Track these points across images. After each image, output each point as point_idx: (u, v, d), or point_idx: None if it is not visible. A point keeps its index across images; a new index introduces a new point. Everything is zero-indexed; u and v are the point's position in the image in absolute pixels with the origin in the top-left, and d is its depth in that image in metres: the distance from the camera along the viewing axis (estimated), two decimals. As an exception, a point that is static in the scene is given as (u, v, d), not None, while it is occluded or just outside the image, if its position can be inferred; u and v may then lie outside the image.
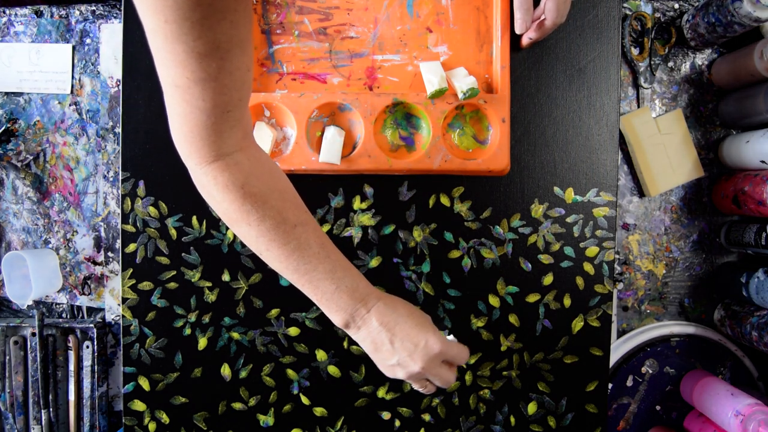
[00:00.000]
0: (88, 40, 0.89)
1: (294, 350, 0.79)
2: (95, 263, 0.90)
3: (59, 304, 0.91)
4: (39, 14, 0.89)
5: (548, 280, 0.77)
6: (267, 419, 0.79)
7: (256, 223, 0.55)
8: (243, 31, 0.46)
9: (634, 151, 0.86)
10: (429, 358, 0.58)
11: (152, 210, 0.78)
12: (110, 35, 0.89)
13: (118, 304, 0.90)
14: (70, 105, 0.89)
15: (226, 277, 0.78)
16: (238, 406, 0.79)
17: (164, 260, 0.78)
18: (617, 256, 0.87)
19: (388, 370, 0.61)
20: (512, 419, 0.78)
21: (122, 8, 0.86)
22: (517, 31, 0.73)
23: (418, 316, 0.60)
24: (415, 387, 0.63)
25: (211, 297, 0.79)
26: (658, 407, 0.86)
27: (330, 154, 0.73)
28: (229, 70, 0.47)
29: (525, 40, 0.73)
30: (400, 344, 0.58)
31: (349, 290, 0.58)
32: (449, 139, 0.75)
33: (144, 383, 0.79)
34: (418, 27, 0.76)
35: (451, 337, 0.63)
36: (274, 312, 0.79)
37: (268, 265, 0.78)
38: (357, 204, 0.78)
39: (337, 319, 0.59)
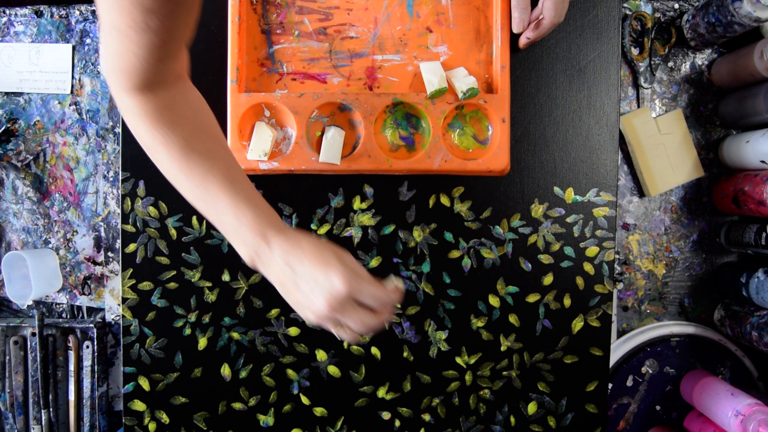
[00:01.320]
0: (88, 40, 0.89)
1: (294, 350, 0.79)
2: (95, 263, 0.90)
3: (59, 304, 0.91)
4: (39, 14, 0.89)
5: (548, 280, 0.77)
6: (267, 419, 0.79)
7: (165, 151, 0.56)
8: None
9: (634, 151, 0.86)
10: (334, 298, 0.53)
11: (152, 210, 0.78)
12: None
13: (118, 304, 0.90)
14: (70, 105, 0.89)
15: (226, 277, 0.78)
16: (238, 406, 0.79)
17: (164, 260, 0.78)
18: (617, 256, 0.87)
19: (300, 312, 0.56)
20: (512, 419, 0.78)
21: (122, 8, 0.86)
22: (515, 30, 0.73)
23: (322, 252, 0.55)
24: (334, 332, 0.58)
25: (211, 297, 0.79)
26: (658, 407, 0.86)
27: (330, 154, 0.73)
28: (171, 27, 0.48)
29: (523, 40, 0.73)
30: (303, 284, 0.54)
31: (250, 225, 0.55)
32: (449, 139, 0.75)
33: (144, 383, 0.79)
34: (418, 27, 0.76)
35: (391, 281, 0.57)
36: (274, 312, 0.79)
37: (268, 265, 0.78)
38: (357, 204, 0.78)
39: (243, 256, 0.57)
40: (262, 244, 0.55)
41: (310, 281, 0.54)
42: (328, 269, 0.53)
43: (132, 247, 0.79)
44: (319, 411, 0.79)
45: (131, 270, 0.79)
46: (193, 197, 0.57)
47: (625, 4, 0.86)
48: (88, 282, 0.90)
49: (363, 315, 0.54)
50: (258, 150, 0.73)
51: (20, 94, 0.90)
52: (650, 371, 0.86)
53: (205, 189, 0.56)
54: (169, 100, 0.56)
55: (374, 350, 0.78)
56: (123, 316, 0.79)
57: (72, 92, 0.89)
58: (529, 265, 0.77)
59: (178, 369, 0.79)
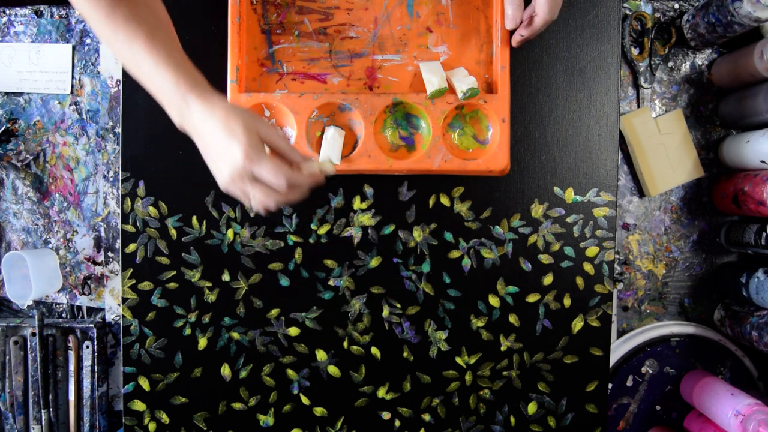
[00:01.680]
0: (88, 40, 0.89)
1: (294, 350, 0.79)
2: (95, 263, 0.90)
3: (59, 304, 0.91)
4: (39, 14, 0.89)
5: (548, 280, 0.77)
6: (267, 419, 0.79)
7: (93, 15, 0.56)
8: None
9: (634, 151, 0.86)
10: (235, 171, 0.54)
11: (152, 210, 0.78)
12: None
13: (118, 304, 0.90)
14: (70, 105, 0.89)
15: (226, 277, 0.78)
16: (238, 406, 0.79)
17: (164, 260, 0.78)
18: (617, 256, 0.87)
19: (216, 179, 0.58)
20: (512, 419, 0.78)
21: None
22: (508, 27, 0.72)
23: (232, 121, 0.54)
24: (243, 201, 0.59)
25: (211, 297, 0.79)
26: (658, 407, 0.86)
27: (330, 154, 0.73)
28: None
29: (516, 38, 0.72)
30: (212, 151, 0.56)
31: (171, 85, 0.55)
32: (449, 139, 0.75)
33: (144, 383, 0.79)
34: (418, 27, 0.76)
35: (313, 165, 0.57)
36: (274, 312, 0.79)
37: (267, 266, 0.78)
38: (357, 204, 0.78)
39: (174, 120, 0.58)
40: (184, 106, 0.56)
41: (217, 149, 0.55)
42: (231, 141, 0.54)
43: (132, 247, 0.79)
44: (319, 411, 0.79)
45: (131, 270, 0.79)
46: (124, 62, 0.58)
47: (625, 4, 0.86)
48: (88, 282, 0.90)
49: (262, 191, 0.55)
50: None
51: (20, 94, 0.90)
52: (650, 371, 0.86)
53: (131, 52, 0.56)
54: None
55: (374, 350, 0.78)
56: (123, 316, 0.79)
57: (72, 92, 0.89)
58: (529, 265, 0.77)
59: (178, 369, 0.79)
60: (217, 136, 0.54)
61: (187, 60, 0.58)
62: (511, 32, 0.73)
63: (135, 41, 0.56)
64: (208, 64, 0.76)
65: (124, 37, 0.56)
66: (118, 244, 0.89)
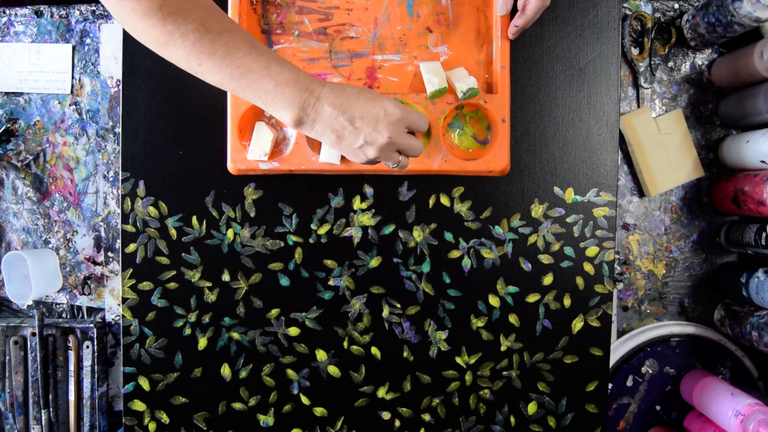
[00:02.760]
0: (88, 40, 0.89)
1: (294, 350, 0.79)
2: (95, 263, 0.90)
3: (59, 304, 0.91)
4: (39, 14, 0.89)
5: (548, 280, 0.77)
6: (267, 419, 0.79)
7: (181, 40, 0.55)
8: None
9: (634, 151, 0.86)
10: (393, 125, 0.59)
11: (152, 210, 0.78)
12: (110, 35, 0.89)
13: (118, 304, 0.90)
14: (70, 105, 0.89)
15: (226, 277, 0.78)
16: (238, 406, 0.79)
17: (164, 260, 0.78)
18: (617, 256, 0.87)
19: (358, 155, 0.60)
20: (512, 419, 0.78)
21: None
22: (499, 13, 0.72)
23: (366, 90, 0.60)
24: (389, 165, 0.63)
25: (211, 297, 0.79)
26: (658, 407, 0.86)
27: (330, 154, 0.73)
28: None
29: (511, 29, 0.72)
30: (361, 122, 0.58)
31: (290, 82, 0.57)
32: (449, 139, 0.75)
33: (144, 383, 0.79)
34: (418, 27, 0.76)
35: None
36: (274, 312, 0.79)
37: (267, 266, 0.78)
38: (357, 204, 0.78)
39: (288, 118, 0.58)
40: (309, 99, 0.57)
41: (369, 118, 0.58)
42: (382, 102, 0.59)
43: (132, 247, 0.79)
44: (319, 411, 0.79)
45: (131, 270, 0.79)
46: (224, 78, 0.57)
47: (625, 4, 0.86)
48: (88, 282, 0.90)
49: (413, 140, 0.61)
50: (258, 150, 0.73)
51: (20, 94, 0.90)
52: (650, 371, 0.86)
53: (234, 65, 0.56)
54: None
55: (374, 350, 0.78)
56: (123, 316, 0.79)
57: (72, 92, 0.89)
58: (529, 265, 0.77)
59: (178, 369, 0.79)
60: (365, 106, 0.58)
61: (286, 59, 0.59)
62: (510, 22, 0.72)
63: (239, 51, 0.56)
64: (208, 64, 0.76)
65: (225, 50, 0.56)
66: (118, 244, 0.89)
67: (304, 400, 0.79)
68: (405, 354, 0.78)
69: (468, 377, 0.78)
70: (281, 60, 0.58)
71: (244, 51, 0.57)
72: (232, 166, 0.75)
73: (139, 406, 0.79)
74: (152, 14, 0.54)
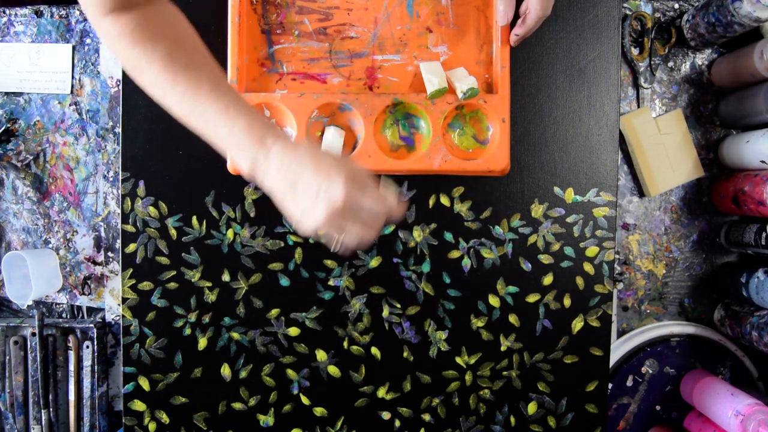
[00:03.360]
0: (88, 40, 0.89)
1: (294, 350, 0.79)
2: (95, 263, 0.90)
3: (59, 304, 0.91)
4: (39, 14, 0.89)
5: (548, 280, 0.77)
6: (267, 419, 0.79)
7: (147, 66, 0.55)
8: None
9: (634, 151, 0.86)
10: (332, 207, 0.51)
11: (152, 210, 0.78)
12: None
13: (118, 304, 0.90)
14: (70, 105, 0.89)
15: (226, 277, 0.78)
16: (238, 406, 0.79)
17: (164, 260, 0.78)
18: (617, 256, 0.87)
19: (298, 225, 0.54)
20: (512, 419, 0.78)
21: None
22: (500, 23, 0.72)
23: (322, 159, 0.52)
24: (327, 242, 0.57)
25: (211, 297, 0.79)
26: (658, 407, 0.86)
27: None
28: None
29: (512, 38, 0.72)
30: (301, 191, 0.52)
31: (244, 130, 0.53)
32: (449, 139, 0.75)
33: (144, 383, 0.79)
34: (418, 27, 0.76)
35: (389, 187, 0.54)
36: (274, 312, 0.79)
37: (267, 266, 0.78)
38: (357, 204, 0.78)
39: (241, 168, 0.55)
40: (260, 151, 0.53)
41: (309, 190, 0.51)
42: (329, 177, 0.51)
43: (132, 247, 0.79)
44: (319, 411, 0.79)
45: (131, 270, 0.79)
46: (184, 111, 0.55)
47: (625, 4, 0.86)
48: (88, 282, 0.90)
49: (359, 228, 0.53)
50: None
51: (20, 94, 0.90)
52: (650, 371, 0.86)
53: (194, 101, 0.54)
54: (146, 17, 0.55)
55: (374, 350, 0.78)
56: (123, 316, 0.79)
57: (72, 92, 0.89)
58: (529, 265, 0.77)
59: (178, 369, 0.79)
60: (308, 173, 0.52)
61: (249, 103, 0.56)
62: (510, 29, 0.73)
63: (200, 89, 0.54)
64: (208, 64, 0.76)
65: (187, 85, 0.54)
66: (118, 244, 0.89)
67: (304, 400, 0.79)
68: (405, 354, 0.78)
69: (468, 377, 0.78)
70: (241, 105, 0.55)
71: (206, 89, 0.54)
72: (232, 166, 0.75)
73: (139, 406, 0.79)
74: (124, 36, 0.55)
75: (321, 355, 0.79)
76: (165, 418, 0.79)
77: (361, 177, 0.53)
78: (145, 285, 0.79)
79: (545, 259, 0.77)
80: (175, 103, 0.55)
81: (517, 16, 0.72)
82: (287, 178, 0.52)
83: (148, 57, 0.54)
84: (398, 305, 0.78)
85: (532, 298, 0.78)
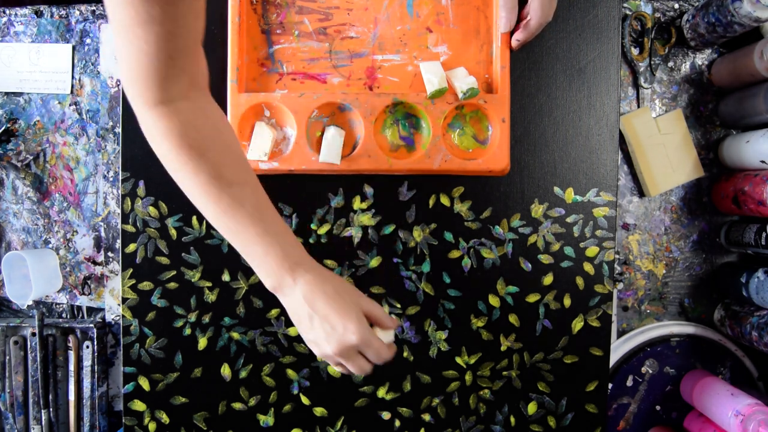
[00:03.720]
0: (88, 40, 0.89)
1: (294, 350, 0.79)
2: (95, 263, 0.90)
3: (59, 304, 0.91)
4: (39, 14, 0.89)
5: (548, 280, 0.77)
6: (267, 419, 0.79)
7: (191, 174, 0.55)
8: None
9: (634, 151, 0.86)
10: (343, 346, 0.56)
11: (152, 210, 0.78)
12: (110, 35, 0.89)
13: (118, 304, 0.90)
14: (70, 105, 0.89)
15: (226, 277, 0.78)
16: (238, 406, 0.79)
17: (164, 260, 0.78)
18: (617, 256, 0.87)
19: (307, 343, 0.59)
20: (512, 419, 0.78)
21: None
22: (502, 30, 0.73)
23: (344, 300, 0.57)
24: (332, 367, 0.63)
25: (211, 297, 0.79)
26: (658, 407, 0.86)
27: (330, 154, 0.73)
28: (174, 16, 0.48)
29: (513, 42, 0.73)
30: (318, 323, 0.57)
31: (278, 257, 0.56)
32: (449, 139, 0.75)
33: (144, 383, 0.79)
34: (418, 27, 0.76)
35: (386, 334, 0.60)
36: (274, 312, 0.79)
37: (268, 265, 0.78)
38: (357, 204, 0.78)
39: (266, 284, 0.58)
40: (288, 278, 0.57)
41: (326, 325, 0.56)
42: (346, 321, 0.56)
43: (132, 247, 0.79)
44: (319, 411, 0.79)
45: (131, 270, 0.79)
46: (220, 226, 0.57)
47: (625, 4, 0.86)
48: (88, 282, 0.90)
49: (363, 362, 0.59)
50: (258, 150, 0.73)
51: (20, 94, 0.90)
52: (650, 371, 0.86)
53: (234, 219, 0.56)
54: (194, 120, 0.55)
55: (374, 350, 0.78)
56: (123, 316, 0.79)
57: (72, 92, 0.89)
58: (529, 265, 0.77)
59: (178, 369, 0.79)
60: (328, 313, 0.56)
61: (286, 225, 0.59)
62: (511, 34, 0.73)
63: (242, 209, 0.56)
64: (208, 64, 0.76)
65: (230, 201, 0.55)
66: (118, 244, 0.89)
67: (304, 400, 0.79)
68: (405, 354, 0.78)
69: (468, 377, 0.78)
70: (280, 230, 0.57)
71: (248, 210, 0.56)
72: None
73: (139, 406, 0.79)
74: (171, 137, 0.54)
75: (321, 355, 0.79)
76: (165, 418, 0.79)
77: (375, 310, 0.59)
78: (145, 285, 0.79)
79: (545, 259, 0.77)
80: (212, 213, 0.56)
81: (518, 20, 0.73)
82: (308, 309, 0.57)
83: (194, 165, 0.54)
84: (398, 305, 0.78)
85: (532, 298, 0.78)
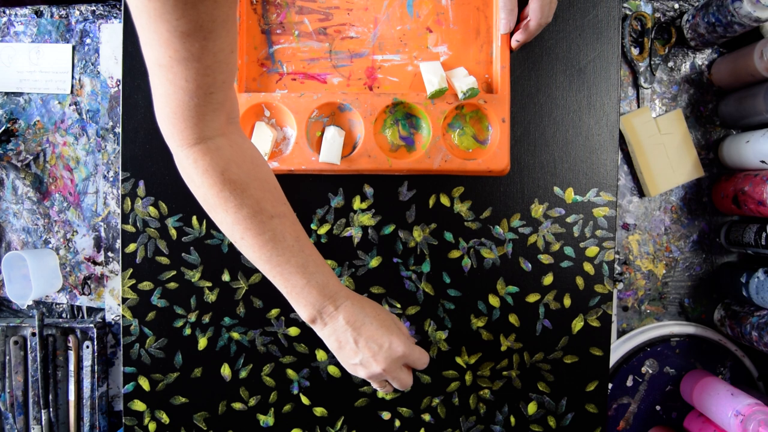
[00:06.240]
0: (88, 40, 0.89)
1: (294, 350, 0.79)
2: (95, 263, 0.90)
3: (59, 304, 0.91)
4: (39, 14, 0.89)
5: (548, 280, 0.77)
6: (267, 419, 0.79)
7: (234, 210, 0.55)
8: (227, 11, 0.46)
9: (634, 151, 0.86)
10: (391, 360, 0.59)
11: (152, 210, 0.78)
12: (110, 35, 0.89)
13: (118, 304, 0.90)
14: (70, 105, 0.89)
15: (226, 277, 0.78)
16: (238, 406, 0.79)
17: (164, 260, 0.78)
18: (617, 256, 0.87)
19: (351, 368, 0.61)
20: (512, 419, 0.78)
21: (122, 8, 0.86)
22: (502, 31, 0.73)
23: (384, 317, 0.61)
24: (374, 386, 0.64)
25: (211, 297, 0.79)
26: (658, 407, 0.86)
27: (330, 154, 0.73)
28: (213, 50, 0.47)
29: (513, 43, 0.73)
30: (364, 344, 0.59)
31: (319, 286, 0.58)
32: (449, 139, 0.75)
33: (144, 383, 0.79)
34: (418, 27, 0.76)
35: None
36: (274, 312, 0.79)
37: (268, 265, 0.78)
38: (357, 204, 0.78)
39: (304, 314, 0.59)
40: (329, 307, 0.58)
41: (373, 345, 0.59)
42: (391, 336, 0.60)
43: (132, 247, 0.79)
44: (319, 411, 0.79)
45: (131, 270, 0.79)
46: (261, 259, 0.57)
47: (625, 4, 0.86)
48: (88, 282, 0.90)
49: (405, 375, 0.62)
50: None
51: (20, 94, 0.90)
52: (650, 371, 0.86)
53: (276, 251, 0.56)
54: (231, 152, 0.55)
55: (374, 350, 0.78)
56: (123, 316, 0.79)
57: (72, 92, 0.89)
58: (529, 265, 0.77)
59: (178, 369, 0.79)
60: (373, 332, 0.59)
61: (320, 255, 0.60)
62: (511, 34, 0.74)
63: (283, 242, 0.57)
64: (208, 64, 0.76)
65: (272, 235, 0.56)
66: (118, 244, 0.89)
67: (304, 400, 0.79)
68: (405, 354, 0.78)
69: (468, 377, 0.78)
70: (318, 261, 0.59)
71: (290, 242, 0.57)
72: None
73: (139, 406, 0.79)
74: (213, 174, 0.54)
75: (321, 355, 0.79)
76: (165, 418, 0.79)
77: (410, 338, 0.63)
78: (145, 285, 0.79)
79: (545, 259, 0.77)
80: (254, 249, 0.57)
81: (517, 21, 0.73)
82: (352, 332, 0.59)
83: (238, 201, 0.55)
84: (398, 305, 0.78)
85: (532, 298, 0.78)
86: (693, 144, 0.86)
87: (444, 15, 0.76)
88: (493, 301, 0.78)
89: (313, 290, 0.58)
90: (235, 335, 0.79)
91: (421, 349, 0.63)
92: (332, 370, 0.79)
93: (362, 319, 0.59)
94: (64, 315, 0.92)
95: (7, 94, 0.90)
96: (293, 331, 0.79)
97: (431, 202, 0.78)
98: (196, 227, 0.78)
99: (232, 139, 0.56)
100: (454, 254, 0.78)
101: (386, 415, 0.79)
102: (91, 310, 0.91)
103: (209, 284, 0.79)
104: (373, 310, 0.61)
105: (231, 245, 0.78)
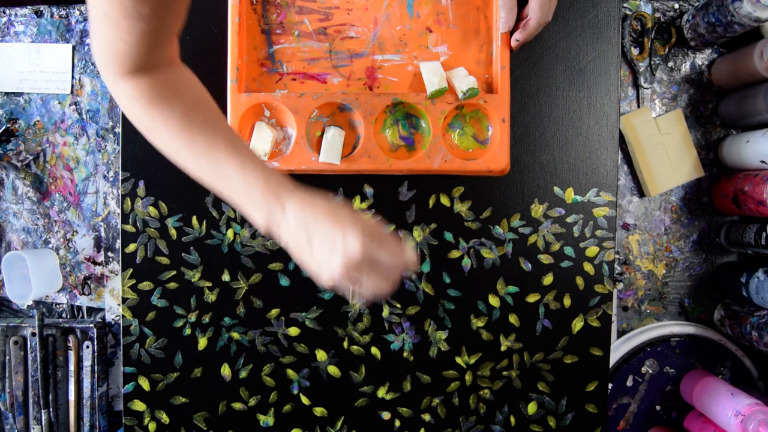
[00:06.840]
0: (88, 40, 0.89)
1: (294, 350, 0.79)
2: (95, 263, 0.90)
3: (59, 304, 0.91)
4: (39, 14, 0.89)
5: (548, 280, 0.77)
6: (267, 419, 0.79)
7: (163, 127, 0.56)
8: None
9: (634, 151, 0.86)
10: (350, 261, 0.51)
11: (152, 210, 0.78)
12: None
13: (118, 304, 0.90)
14: (70, 105, 0.89)
15: (226, 277, 0.78)
16: (238, 406, 0.79)
17: (164, 260, 0.78)
18: (617, 256, 0.87)
19: (314, 274, 0.54)
20: (512, 419, 0.78)
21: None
22: (501, 30, 0.73)
23: (339, 213, 0.53)
24: (347, 294, 0.58)
25: (211, 297, 0.79)
26: (658, 407, 0.86)
27: (330, 154, 0.73)
28: (161, 16, 0.49)
29: (513, 43, 0.73)
30: (318, 245, 0.52)
31: (260, 186, 0.54)
32: (449, 139, 0.75)
33: (144, 383, 0.79)
34: (418, 27, 0.76)
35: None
36: (274, 312, 0.79)
37: (267, 266, 0.78)
38: (357, 204, 0.78)
39: (257, 222, 0.55)
40: (276, 206, 0.53)
41: (326, 243, 0.51)
42: (345, 231, 0.51)
43: (132, 247, 0.79)
44: (319, 411, 0.79)
45: (131, 270, 0.79)
46: (199, 170, 0.56)
47: (625, 4, 0.86)
48: (88, 282, 0.90)
49: (375, 280, 0.53)
50: (258, 150, 0.73)
51: (20, 94, 0.90)
52: (650, 371, 0.86)
53: (210, 159, 0.55)
54: (162, 79, 0.56)
55: (374, 350, 0.78)
56: (123, 316, 0.79)
57: (72, 92, 0.89)
58: (529, 265, 0.77)
59: (178, 369, 0.79)
60: (325, 229, 0.52)
61: (265, 162, 0.58)
62: (511, 34, 0.74)
63: (216, 146, 0.55)
64: (208, 64, 0.76)
65: (203, 143, 0.55)
66: (118, 244, 0.89)
67: (304, 400, 0.79)
68: (405, 354, 0.78)
69: (468, 377, 0.78)
70: (256, 161, 0.56)
71: (222, 146, 0.55)
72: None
73: (139, 406, 0.79)
74: (141, 98, 0.55)
75: (321, 355, 0.79)
76: (165, 418, 0.79)
77: (377, 231, 0.53)
78: (145, 285, 0.79)
79: (545, 259, 0.77)
80: (190, 160, 0.56)
81: (517, 20, 0.73)
82: (304, 231, 0.52)
83: (165, 116, 0.55)
84: (398, 305, 0.78)
85: (532, 298, 0.78)
86: (693, 144, 0.86)
87: (444, 15, 0.76)
88: (493, 301, 0.78)
89: (255, 193, 0.54)
90: (235, 335, 0.79)
91: (395, 240, 0.53)
92: (332, 370, 0.79)
93: (312, 215, 0.52)
94: (64, 315, 0.92)
95: (7, 94, 0.90)
96: (293, 331, 0.79)
97: (431, 202, 0.78)
98: (196, 227, 0.78)
99: (166, 70, 0.57)
100: (454, 254, 0.78)
101: (386, 415, 0.79)
102: (91, 310, 0.91)
103: (209, 284, 0.79)
104: (326, 206, 0.53)
105: (231, 245, 0.78)
